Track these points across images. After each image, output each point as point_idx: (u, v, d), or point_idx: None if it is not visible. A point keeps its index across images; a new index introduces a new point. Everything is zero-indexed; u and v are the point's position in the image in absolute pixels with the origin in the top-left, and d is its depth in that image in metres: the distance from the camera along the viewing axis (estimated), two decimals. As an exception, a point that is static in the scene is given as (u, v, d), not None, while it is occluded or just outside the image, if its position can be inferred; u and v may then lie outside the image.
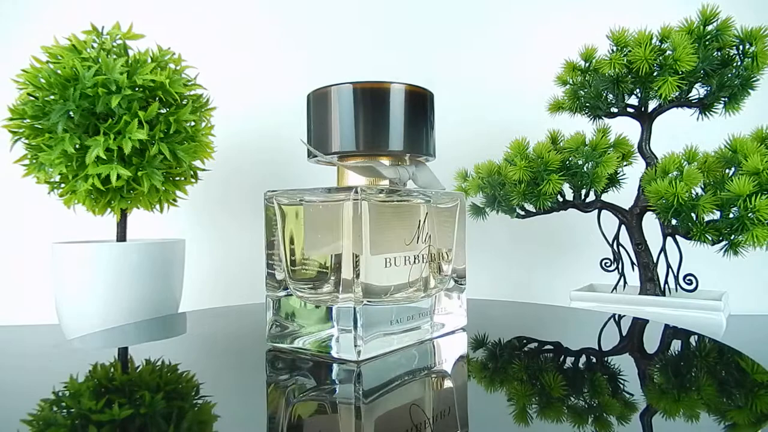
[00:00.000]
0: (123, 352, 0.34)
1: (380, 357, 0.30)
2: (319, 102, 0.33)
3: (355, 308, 0.29)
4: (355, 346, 0.29)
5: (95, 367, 0.29)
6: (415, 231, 0.32)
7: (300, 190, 0.31)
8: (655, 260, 0.53)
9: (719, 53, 0.49)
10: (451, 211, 0.35)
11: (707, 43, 0.49)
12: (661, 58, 0.49)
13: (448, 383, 0.27)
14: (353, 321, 0.29)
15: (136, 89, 0.48)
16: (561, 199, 0.55)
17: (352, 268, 0.29)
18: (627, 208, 0.55)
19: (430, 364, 0.30)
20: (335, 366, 0.29)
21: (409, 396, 0.25)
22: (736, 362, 0.29)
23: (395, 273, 0.31)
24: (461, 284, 0.37)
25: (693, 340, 0.35)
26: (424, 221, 0.32)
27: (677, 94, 0.50)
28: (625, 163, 0.57)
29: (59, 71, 0.47)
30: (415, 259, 0.32)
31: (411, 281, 0.32)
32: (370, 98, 0.31)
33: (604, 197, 0.56)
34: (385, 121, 0.31)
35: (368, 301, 0.29)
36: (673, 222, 0.49)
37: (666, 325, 0.39)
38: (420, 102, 0.33)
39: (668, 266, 0.53)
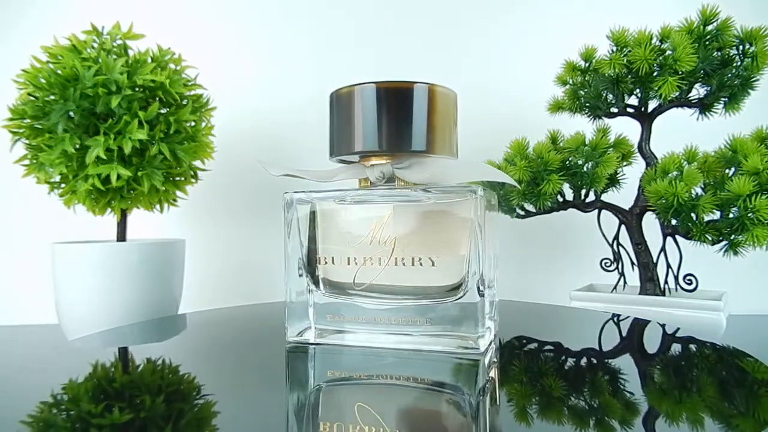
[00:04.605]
0: (123, 352, 0.34)
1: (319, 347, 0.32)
2: (341, 102, 0.33)
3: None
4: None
5: (95, 368, 0.29)
6: (368, 231, 0.31)
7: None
8: (655, 260, 0.53)
9: (719, 53, 0.49)
10: (440, 212, 0.31)
11: (707, 43, 0.49)
12: (661, 58, 0.49)
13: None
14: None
15: (136, 89, 0.48)
16: (561, 199, 0.55)
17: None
18: (627, 208, 0.55)
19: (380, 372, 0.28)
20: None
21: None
22: (738, 363, 0.29)
23: (332, 272, 0.32)
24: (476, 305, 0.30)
25: (693, 341, 0.35)
26: (386, 222, 0.31)
27: (677, 94, 0.50)
28: (625, 163, 0.57)
29: (59, 71, 0.47)
30: (365, 260, 0.31)
31: (356, 282, 0.31)
32: (393, 98, 0.31)
33: (604, 197, 0.56)
34: (406, 121, 0.31)
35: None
36: (673, 222, 0.49)
37: (664, 326, 0.39)
38: (442, 101, 0.33)
39: (668, 266, 0.53)
